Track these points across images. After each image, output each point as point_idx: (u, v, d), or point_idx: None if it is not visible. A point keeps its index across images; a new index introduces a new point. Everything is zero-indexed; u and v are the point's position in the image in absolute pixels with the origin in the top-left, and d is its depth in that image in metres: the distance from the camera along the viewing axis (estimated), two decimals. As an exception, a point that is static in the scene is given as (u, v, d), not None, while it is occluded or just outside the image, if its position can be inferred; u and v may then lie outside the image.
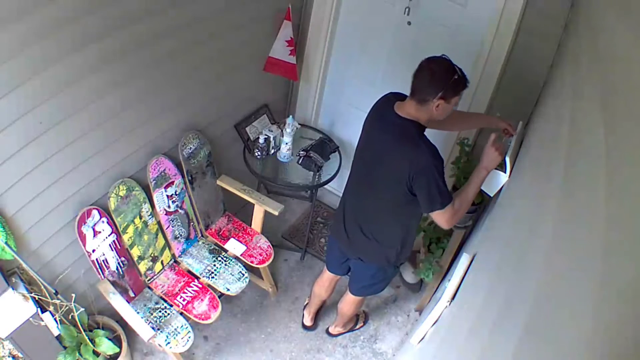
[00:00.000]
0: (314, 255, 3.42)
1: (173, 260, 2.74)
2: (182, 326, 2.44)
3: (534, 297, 1.01)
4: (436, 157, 1.91)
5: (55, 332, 2.18)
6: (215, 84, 2.71)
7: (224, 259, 2.77)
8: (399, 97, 2.07)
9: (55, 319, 2.14)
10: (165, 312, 2.50)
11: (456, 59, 2.69)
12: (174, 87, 2.47)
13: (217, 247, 2.84)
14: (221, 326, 2.94)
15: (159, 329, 2.41)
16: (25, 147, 1.92)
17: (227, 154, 3.01)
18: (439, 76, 1.87)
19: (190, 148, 2.66)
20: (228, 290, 2.62)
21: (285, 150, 3.04)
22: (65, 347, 2.29)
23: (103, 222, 2.32)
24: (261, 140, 2.99)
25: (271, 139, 3.02)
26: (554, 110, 1.71)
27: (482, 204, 2.57)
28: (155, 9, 2.13)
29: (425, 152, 1.90)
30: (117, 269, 2.43)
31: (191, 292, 2.59)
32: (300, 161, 3.04)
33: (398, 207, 2.11)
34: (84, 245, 2.27)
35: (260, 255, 2.81)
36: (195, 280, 2.66)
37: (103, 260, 2.36)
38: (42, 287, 2.07)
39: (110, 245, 2.38)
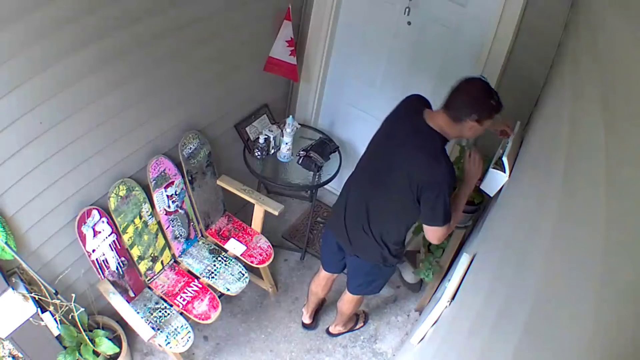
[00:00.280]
0: (314, 255, 3.42)
1: (173, 260, 2.74)
2: (182, 326, 2.44)
3: (534, 297, 1.01)
4: (452, 176, 1.95)
5: (55, 332, 2.18)
6: (216, 84, 2.71)
7: (224, 259, 2.77)
8: (426, 103, 2.10)
9: (55, 319, 2.14)
10: (165, 312, 2.50)
11: (456, 59, 2.72)
12: (174, 87, 2.48)
13: (217, 247, 2.84)
14: (221, 326, 2.94)
15: (159, 329, 2.41)
16: (25, 147, 1.92)
17: (227, 154, 3.01)
18: (478, 99, 1.90)
19: (190, 148, 2.66)
20: (228, 290, 2.62)
21: (285, 150, 3.04)
22: (65, 347, 2.29)
23: (103, 222, 2.32)
24: (261, 140, 3.00)
25: (271, 139, 3.03)
26: (554, 110, 1.71)
27: (482, 204, 2.57)
28: (155, 9, 2.13)
29: (444, 169, 1.93)
30: (117, 269, 2.43)
31: (191, 292, 2.59)
32: (300, 161, 3.04)
33: (404, 210, 2.12)
34: (84, 245, 2.27)
35: (260, 255, 2.81)
36: (195, 280, 2.66)
37: (103, 260, 2.36)
38: (42, 287, 2.07)
39: (110, 245, 2.38)
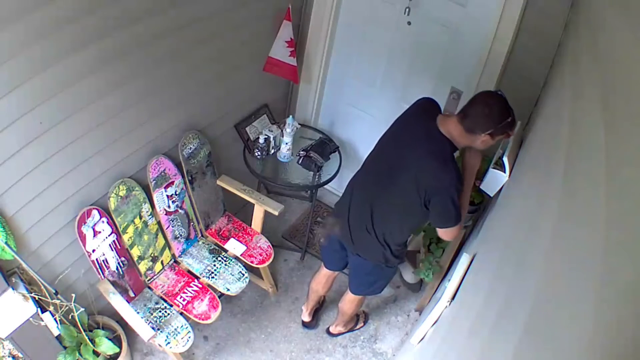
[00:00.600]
0: (314, 255, 3.42)
1: (173, 260, 2.74)
2: (182, 326, 2.44)
3: (534, 297, 1.01)
4: (460, 181, 1.98)
5: (55, 332, 2.18)
6: (216, 84, 2.71)
7: (224, 259, 2.77)
8: (438, 107, 2.12)
9: (55, 319, 2.14)
10: (165, 312, 2.50)
11: (456, 59, 2.72)
12: (174, 87, 2.47)
13: (217, 247, 2.84)
14: (221, 326, 2.94)
15: (159, 329, 2.41)
16: (25, 147, 1.92)
17: (227, 154, 3.01)
18: (495, 115, 1.92)
19: (190, 148, 2.66)
20: (228, 290, 2.62)
21: (285, 150, 3.04)
22: (65, 347, 2.29)
23: (103, 222, 2.32)
24: (261, 140, 3.00)
25: (271, 139, 3.02)
26: (554, 110, 1.71)
27: (482, 204, 2.57)
28: (155, 9, 2.13)
29: (453, 175, 1.95)
30: (117, 269, 2.43)
31: (191, 292, 2.59)
32: (300, 161, 3.04)
33: (408, 213, 2.14)
34: (84, 245, 2.27)
35: (260, 255, 2.81)
36: (195, 280, 2.66)
37: (103, 260, 2.36)
38: (42, 287, 2.07)
39: (110, 245, 2.38)
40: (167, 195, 2.59)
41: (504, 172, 2.06)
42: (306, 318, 3.01)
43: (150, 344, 2.65)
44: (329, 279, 2.77)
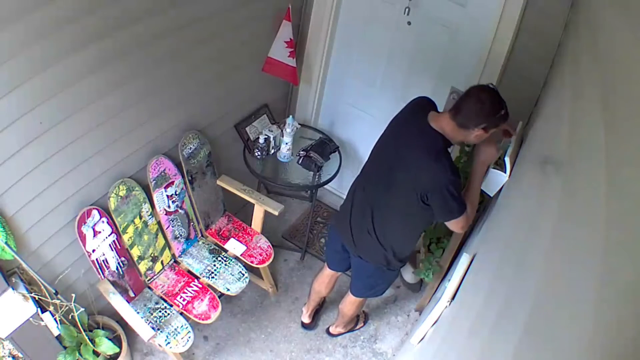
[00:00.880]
0: (314, 255, 3.42)
1: (173, 260, 2.74)
2: (182, 326, 2.44)
3: (534, 297, 1.01)
4: (454, 172, 1.96)
5: (55, 332, 2.18)
6: (216, 84, 2.71)
7: (224, 259, 2.77)
8: (433, 105, 2.10)
9: (55, 319, 2.14)
10: (165, 312, 2.50)
11: (456, 59, 2.72)
12: (174, 87, 2.47)
13: (217, 247, 2.84)
14: (221, 326, 2.94)
15: (159, 329, 2.41)
16: (25, 147, 1.92)
17: (227, 154, 3.01)
18: (487, 109, 1.90)
19: (190, 148, 2.66)
20: (228, 290, 2.62)
21: (285, 150, 3.04)
22: (65, 347, 2.29)
23: (103, 222, 2.32)
24: (261, 140, 2.99)
25: (271, 139, 3.02)
26: (554, 110, 1.71)
27: (482, 204, 2.56)
28: (155, 9, 2.13)
29: (444, 168, 1.93)
30: (117, 269, 2.43)
31: (191, 292, 2.59)
32: (300, 161, 3.04)
33: (408, 213, 2.13)
34: (84, 245, 2.27)
35: (260, 255, 2.81)
36: (195, 280, 2.66)
37: (103, 260, 2.36)
38: (42, 287, 2.07)
39: (110, 245, 2.38)
40: (167, 195, 2.59)
41: (505, 172, 2.05)
42: (306, 319, 3.00)
43: (150, 344, 2.65)
44: (332, 280, 2.77)
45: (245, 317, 3.02)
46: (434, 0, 2.67)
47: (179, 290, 2.60)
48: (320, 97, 3.39)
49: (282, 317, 3.06)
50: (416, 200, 2.00)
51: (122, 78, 2.16)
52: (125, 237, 2.43)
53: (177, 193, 2.64)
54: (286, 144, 3.02)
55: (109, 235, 2.36)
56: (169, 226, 2.65)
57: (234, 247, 2.83)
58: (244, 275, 2.70)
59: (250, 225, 2.93)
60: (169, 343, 2.38)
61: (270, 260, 2.82)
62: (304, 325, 3.02)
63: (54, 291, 2.10)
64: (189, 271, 2.71)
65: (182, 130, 2.63)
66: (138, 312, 2.42)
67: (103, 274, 2.38)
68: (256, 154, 3.03)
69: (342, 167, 3.12)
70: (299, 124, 3.04)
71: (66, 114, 2.01)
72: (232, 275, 2.69)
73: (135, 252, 2.50)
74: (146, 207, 2.50)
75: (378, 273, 2.39)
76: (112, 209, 2.34)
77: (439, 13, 2.68)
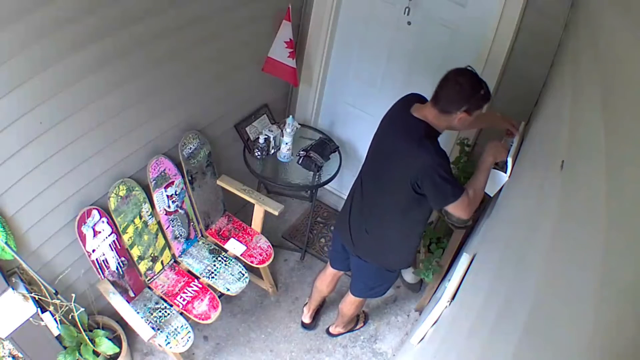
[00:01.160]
0: (314, 255, 3.42)
1: (173, 260, 2.74)
2: (182, 326, 2.44)
3: (534, 297, 1.01)
4: (439, 154, 1.92)
5: (55, 332, 2.18)
6: (215, 84, 2.71)
7: (224, 259, 2.77)
8: (419, 99, 2.08)
9: (55, 319, 2.14)
10: (165, 312, 2.50)
11: (456, 59, 2.70)
12: (174, 87, 2.48)
13: (217, 247, 2.84)
14: (221, 326, 2.94)
15: (159, 329, 2.41)
16: (25, 147, 1.92)
17: (227, 154, 3.01)
18: (466, 90, 1.89)
19: (190, 148, 2.66)
20: (228, 290, 2.62)
21: (285, 150, 3.04)
22: (65, 347, 2.29)
23: (103, 222, 2.32)
24: (261, 140, 3.00)
25: (271, 139, 3.02)
26: (554, 110, 1.71)
27: (482, 204, 2.56)
28: (155, 9, 2.13)
29: (427, 151, 1.90)
30: (117, 269, 2.43)
31: (191, 292, 2.59)
32: (300, 161, 3.04)
33: (402, 209, 2.12)
34: (84, 245, 2.27)
35: (260, 255, 2.81)
36: (195, 280, 2.66)
37: (103, 260, 2.36)
38: (42, 287, 2.07)
39: (110, 245, 2.38)
40: (167, 195, 2.59)
41: (506, 172, 2.05)
42: (307, 319, 3.00)
43: (150, 344, 2.65)
44: (334, 278, 2.77)
45: (245, 317, 3.02)
46: (434, 0, 2.67)
47: (179, 290, 2.60)
48: (320, 97, 3.39)
49: (282, 317, 3.06)
50: (410, 191, 1.98)
51: (122, 78, 2.16)
52: (125, 237, 2.43)
53: (177, 193, 2.64)
54: (286, 144, 3.02)
55: (109, 235, 2.36)
56: (169, 226, 2.65)
57: (234, 247, 2.83)
58: (244, 275, 2.70)
59: (250, 225, 2.93)
60: (169, 343, 2.38)
61: (270, 260, 2.82)
62: (304, 325, 3.02)
63: (54, 291, 2.10)
64: (189, 271, 2.71)
65: (182, 130, 2.63)
66: (138, 312, 2.42)
67: (103, 274, 2.38)
68: (256, 154, 3.03)
69: (342, 167, 3.12)
70: (299, 124, 3.05)
71: (66, 114, 2.01)
72: (232, 275, 2.69)
73: (135, 252, 2.50)
74: (146, 207, 2.50)
75: (377, 273, 2.39)
76: (112, 209, 2.34)
77: (439, 13, 2.68)
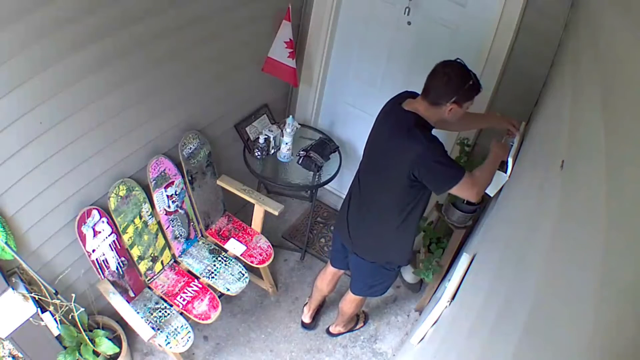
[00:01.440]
0: (314, 255, 3.42)
1: (173, 260, 2.74)
2: (182, 326, 2.44)
3: (534, 297, 1.01)
4: (431, 140, 1.92)
5: (55, 332, 2.18)
6: (215, 83, 2.71)
7: (224, 259, 2.77)
8: (412, 94, 2.09)
9: (55, 319, 2.14)
10: (165, 312, 2.50)
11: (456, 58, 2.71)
12: (174, 87, 2.48)
13: (217, 247, 2.84)
14: (221, 326, 2.94)
15: (159, 329, 2.41)
16: (25, 147, 1.92)
17: (227, 154, 3.01)
18: (455, 82, 1.89)
19: (190, 148, 2.66)
20: (228, 290, 2.62)
21: (285, 150, 3.04)
22: (65, 347, 2.29)
23: (103, 222, 2.32)
24: (261, 140, 3.00)
25: (271, 139, 3.02)
26: (554, 110, 1.71)
27: (482, 204, 2.57)
28: (155, 9, 2.13)
29: (418, 139, 1.90)
30: (117, 269, 2.43)
31: (191, 292, 2.59)
32: (300, 161, 3.04)
33: (399, 204, 2.11)
34: (84, 245, 2.27)
35: (260, 255, 2.81)
36: (195, 280, 2.66)
37: (103, 260, 2.36)
38: (42, 287, 2.07)
39: (110, 245, 2.38)
40: (167, 195, 2.59)
41: (506, 172, 2.05)
42: (307, 319, 3.00)
43: (150, 344, 2.65)
44: (334, 277, 2.77)
45: (245, 317, 3.02)
46: (434, 0, 2.67)
47: (179, 290, 2.60)
48: (320, 97, 3.39)
49: (282, 317, 3.06)
50: (407, 185, 1.98)
51: (122, 78, 2.16)
52: (125, 237, 2.43)
53: (177, 193, 2.64)
54: (286, 144, 3.02)
55: (109, 235, 2.36)
56: (169, 226, 2.65)
57: (234, 247, 2.83)
58: (244, 275, 2.70)
59: (250, 225, 2.93)
60: (169, 343, 2.38)
61: (270, 260, 2.82)
62: (304, 325, 3.02)
63: (54, 291, 2.10)
64: (189, 271, 2.71)
65: (182, 130, 2.63)
66: (138, 312, 2.42)
67: (103, 274, 2.38)
68: (256, 154, 3.03)
69: (342, 167, 3.12)
70: (299, 124, 3.05)
71: (66, 114, 2.01)
72: (232, 275, 2.69)
73: (135, 252, 2.50)
74: (146, 207, 2.50)
75: (376, 271, 2.39)
76: (112, 209, 2.34)
77: (439, 13, 2.68)
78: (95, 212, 2.28)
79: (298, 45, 3.08)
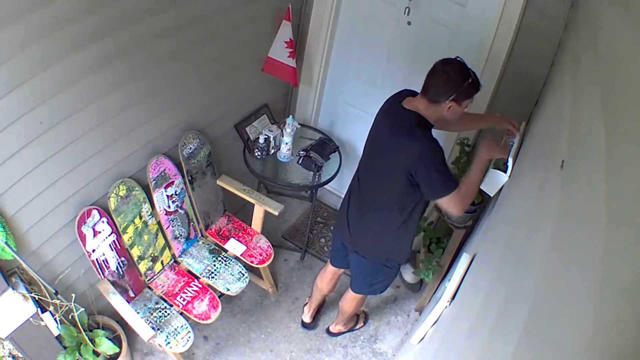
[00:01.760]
0: (314, 255, 3.42)
1: (173, 260, 2.74)
2: (182, 326, 2.44)
3: (534, 297, 1.01)
4: (432, 142, 1.92)
5: (55, 332, 2.18)
6: (215, 83, 2.71)
7: (224, 259, 2.77)
8: (412, 93, 2.10)
9: (55, 319, 2.14)
10: (165, 312, 2.50)
11: (456, 59, 2.71)
12: (174, 87, 2.48)
13: (217, 247, 2.84)
14: (221, 326, 2.94)
15: (159, 329, 2.41)
16: (25, 147, 1.92)
17: (227, 154, 3.01)
18: (454, 79, 1.89)
19: (190, 148, 2.66)
20: (228, 290, 2.62)
21: (285, 150, 3.04)
22: (65, 347, 2.29)
23: (103, 222, 2.32)
24: (261, 140, 3.00)
25: (271, 139, 3.03)
26: (554, 110, 1.71)
27: (482, 204, 2.57)
28: (155, 9, 2.13)
29: (419, 140, 1.91)
30: (117, 269, 2.43)
31: (191, 292, 2.59)
32: (300, 161, 3.04)
33: (399, 202, 2.12)
34: (84, 245, 2.27)
35: (260, 255, 2.81)
36: (195, 280, 2.66)
37: (103, 260, 2.36)
38: (42, 287, 2.07)
39: (110, 245, 2.38)
40: (167, 195, 2.59)
41: (506, 172, 2.05)
42: (307, 319, 3.00)
43: (150, 344, 2.65)
44: (334, 277, 2.78)
45: (245, 317, 3.02)
46: (434, 0, 2.67)
47: (179, 290, 2.60)
48: (320, 97, 3.39)
49: (282, 317, 3.06)
50: (406, 183, 1.99)
51: (122, 78, 2.16)
52: (125, 237, 2.43)
53: (177, 193, 2.64)
54: (286, 144, 3.02)
55: (109, 235, 2.36)
56: (169, 226, 2.65)
57: (234, 247, 2.83)
58: (244, 275, 2.70)
59: (250, 225, 2.93)
60: (169, 343, 2.38)
61: (270, 260, 2.82)
62: (304, 325, 3.02)
63: (54, 291, 2.10)
64: (189, 271, 2.71)
65: (182, 130, 2.63)
66: (138, 312, 2.42)
67: (103, 274, 2.38)
68: (256, 154, 3.03)
69: (342, 167, 3.12)
70: (299, 124, 3.05)
71: (66, 114, 2.01)
72: (232, 275, 2.69)
73: (135, 252, 2.50)
74: (146, 207, 2.50)
75: (376, 270, 2.40)
76: (112, 209, 2.34)
77: (439, 13, 2.68)
78: (95, 212, 2.28)
79: (298, 45, 3.08)
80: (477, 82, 1.93)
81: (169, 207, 2.61)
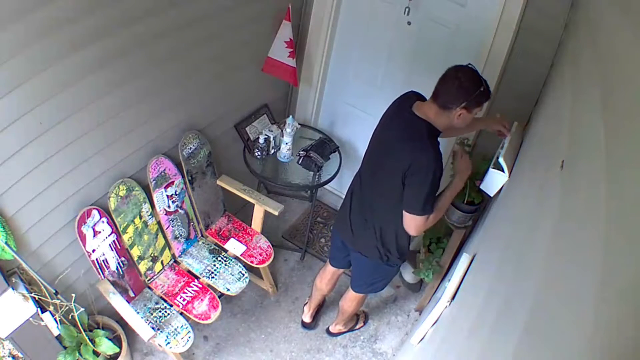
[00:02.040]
0: (314, 255, 3.42)
1: (173, 260, 2.74)
2: (182, 326, 2.44)
3: (534, 297, 1.01)
4: (438, 162, 1.93)
5: (55, 332, 2.18)
6: (215, 83, 2.71)
7: (224, 259, 2.77)
8: (420, 97, 2.10)
9: (55, 319, 2.14)
10: (165, 312, 2.50)
11: (456, 59, 2.70)
12: (174, 87, 2.47)
13: (217, 247, 2.84)
14: (221, 326, 2.94)
15: (159, 329, 2.41)
16: (25, 147, 1.92)
17: (227, 154, 3.01)
18: (466, 87, 1.89)
19: (190, 148, 2.66)
20: (228, 290, 2.62)
21: (285, 150, 3.04)
22: (65, 347, 2.29)
23: (103, 222, 2.32)
24: (261, 140, 3.00)
25: (271, 139, 3.03)
26: (554, 110, 1.71)
27: (482, 204, 2.57)
28: (155, 9, 2.13)
29: (429, 153, 1.91)
30: (117, 269, 2.43)
31: (191, 292, 2.59)
32: (300, 161, 3.04)
33: (398, 201, 2.12)
34: (84, 245, 2.27)
35: (260, 255, 2.81)
36: (195, 280, 2.66)
37: (103, 260, 2.36)
38: (42, 287, 2.07)
39: (110, 245, 2.38)
40: (167, 195, 2.59)
41: (502, 172, 2.05)
42: (307, 319, 3.01)
43: (150, 344, 2.65)
44: (334, 277, 2.78)
45: (245, 317, 3.02)
46: (434, 0, 2.67)
47: (179, 290, 2.60)
48: (320, 97, 3.39)
49: (282, 317, 3.06)
50: (401, 188, 2.00)
51: (122, 78, 2.16)
52: (125, 237, 2.43)
53: (177, 193, 2.64)
54: (286, 144, 3.02)
55: (109, 235, 2.36)
56: (169, 226, 2.65)
57: (234, 247, 2.83)
58: (244, 275, 2.70)
59: (250, 225, 2.93)
60: (169, 343, 2.38)
61: (270, 260, 2.82)
62: (304, 325, 3.02)
63: (54, 291, 2.10)
64: (189, 271, 2.71)
65: (182, 130, 2.63)
66: (138, 312, 2.42)
67: (103, 274, 2.38)
68: (256, 154, 3.03)
69: (342, 167, 3.12)
70: (299, 124, 3.05)
71: (66, 114, 2.01)
72: (232, 275, 2.69)
73: (135, 252, 2.50)
74: (146, 207, 2.50)
75: (377, 269, 2.40)
76: (112, 209, 2.34)
77: (439, 13, 2.68)
78: (95, 212, 2.28)
79: (298, 45, 3.08)
80: (488, 91, 1.94)
81: (169, 207, 2.61)
